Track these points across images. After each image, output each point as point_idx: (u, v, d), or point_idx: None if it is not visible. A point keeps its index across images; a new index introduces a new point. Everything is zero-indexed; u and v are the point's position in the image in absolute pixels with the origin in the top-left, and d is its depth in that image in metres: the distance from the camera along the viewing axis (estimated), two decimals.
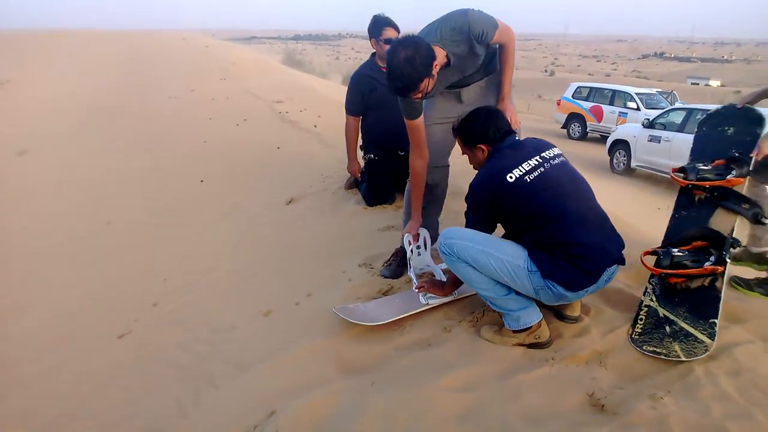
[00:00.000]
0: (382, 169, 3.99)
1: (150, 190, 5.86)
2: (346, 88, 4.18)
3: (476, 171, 2.31)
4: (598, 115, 15.94)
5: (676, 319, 2.17)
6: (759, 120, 2.61)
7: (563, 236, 2.04)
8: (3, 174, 7.34)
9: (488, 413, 1.86)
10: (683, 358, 2.00)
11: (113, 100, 9.23)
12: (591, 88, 16.93)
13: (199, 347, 2.97)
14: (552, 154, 2.19)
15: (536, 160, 2.13)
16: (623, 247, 2.18)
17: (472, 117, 2.33)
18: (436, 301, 2.52)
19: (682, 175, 2.58)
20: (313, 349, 2.47)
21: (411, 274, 2.72)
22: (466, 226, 2.27)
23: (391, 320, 2.44)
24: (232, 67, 11.03)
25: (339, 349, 2.42)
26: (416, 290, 2.56)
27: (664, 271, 2.24)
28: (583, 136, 16.46)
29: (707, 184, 2.50)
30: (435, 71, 2.37)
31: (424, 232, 2.83)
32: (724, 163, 2.52)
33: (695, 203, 2.58)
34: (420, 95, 2.40)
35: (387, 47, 3.72)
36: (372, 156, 4.04)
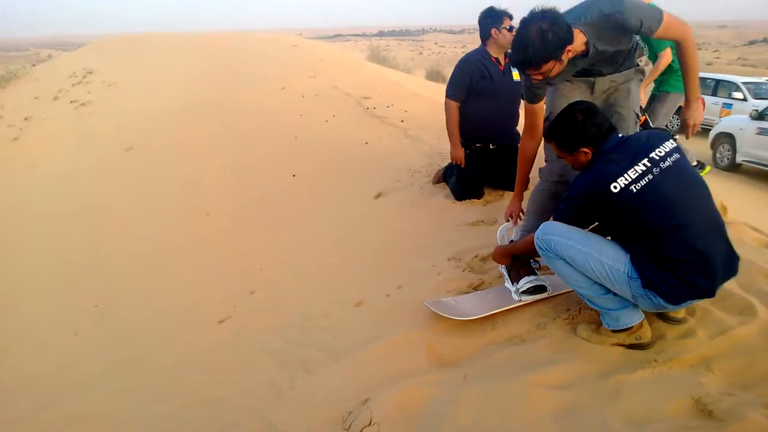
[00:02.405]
0: (473, 163, 3.98)
1: (246, 184, 6.17)
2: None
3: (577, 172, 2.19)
4: None
5: None
6: None
7: (670, 250, 1.90)
8: (113, 168, 7.99)
9: (585, 413, 1.83)
10: None
11: (209, 98, 9.75)
12: None
13: (294, 334, 3.11)
14: (663, 153, 1.98)
15: (645, 164, 1.94)
16: (737, 259, 2.00)
17: (566, 118, 2.13)
18: (529, 298, 2.49)
19: None
20: (406, 340, 2.52)
21: (502, 269, 2.70)
22: None
23: (482, 316, 2.45)
24: (319, 64, 11.31)
25: (431, 342, 2.45)
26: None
27: None
28: (683, 130, 15.48)
29: None
30: (566, 57, 2.15)
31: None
32: None
33: None
34: (540, 77, 2.19)
35: (510, 35, 3.73)
36: (463, 149, 4.03)
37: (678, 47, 2.43)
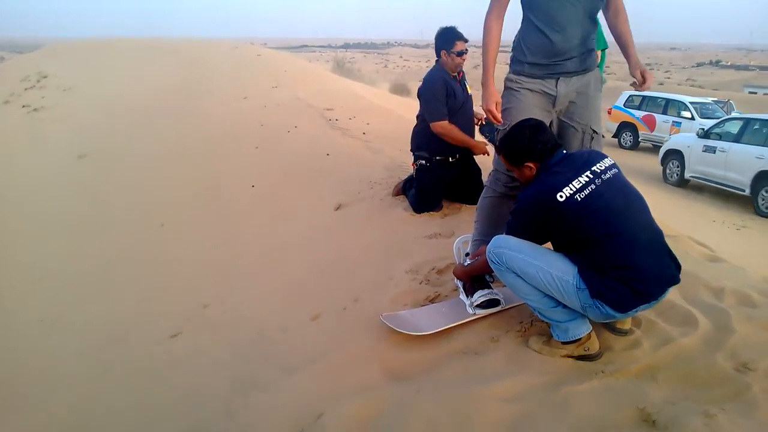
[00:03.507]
0: (433, 176, 4.01)
1: (203, 195, 6.07)
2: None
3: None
4: (651, 124, 15.51)
5: None
6: None
7: (614, 258, 2.00)
8: (65, 176, 7.74)
9: (536, 424, 1.86)
10: None
11: (169, 106, 9.58)
12: (644, 97, 16.46)
13: (248, 349, 3.06)
14: (603, 167, 2.11)
15: (587, 176, 2.06)
16: (679, 267, 2.11)
17: (515, 133, 2.26)
18: (483, 312, 2.52)
19: None
20: (360, 354, 2.52)
21: (458, 282, 2.73)
22: None
23: (437, 330, 2.47)
24: (283, 75, 11.27)
25: (385, 355, 2.46)
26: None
27: None
28: (635, 146, 16.03)
29: None
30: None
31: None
32: None
33: None
34: None
35: (459, 60, 3.77)
36: (423, 162, 4.06)
37: (619, 15, 2.63)
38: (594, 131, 2.70)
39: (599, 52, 4.39)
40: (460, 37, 3.80)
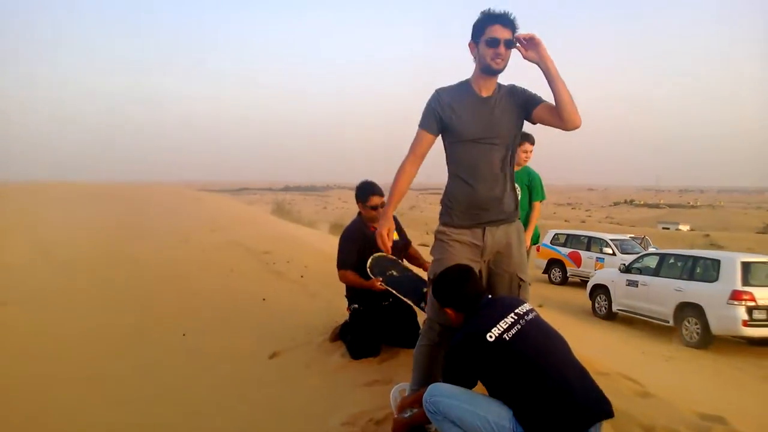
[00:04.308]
0: (368, 320, 4.04)
1: (134, 345, 5.74)
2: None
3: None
4: (577, 260, 16.39)
5: None
6: None
7: (547, 397, 2.05)
8: None
9: None
10: None
11: (103, 251, 9.36)
12: (568, 235, 17.59)
13: None
14: (524, 310, 2.27)
15: (512, 317, 2.20)
16: (608, 402, 2.17)
17: (445, 277, 2.44)
18: None
19: None
20: None
21: None
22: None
23: None
24: (221, 218, 11.41)
25: None
26: None
27: None
28: (564, 281, 16.74)
29: None
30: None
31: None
32: None
33: None
34: (506, 53, 2.54)
35: (373, 213, 3.94)
36: (357, 306, 4.10)
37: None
38: (521, 279, 2.80)
39: (537, 204, 4.75)
40: (375, 192, 3.98)
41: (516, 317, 2.21)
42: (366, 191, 4.00)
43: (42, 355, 5.96)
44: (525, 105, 2.66)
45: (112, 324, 6.26)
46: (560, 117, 2.51)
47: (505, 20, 2.52)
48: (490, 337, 2.13)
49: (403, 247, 4.26)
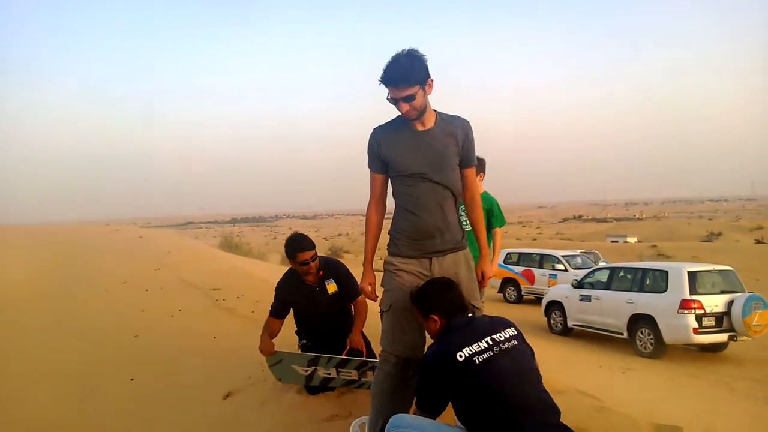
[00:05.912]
0: (320, 353, 3.92)
1: (74, 393, 5.40)
2: (284, 268, 4.21)
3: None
4: (530, 278, 16.63)
5: None
6: None
7: (508, 427, 2.01)
8: None
9: None
10: None
11: (38, 294, 8.88)
12: (520, 254, 17.88)
13: None
14: (503, 337, 2.21)
15: (486, 342, 2.16)
16: None
17: (427, 286, 2.46)
18: None
19: None
20: None
21: None
22: (416, 403, 2.26)
23: None
24: (166, 256, 11.01)
25: None
26: None
27: None
28: (519, 299, 16.94)
29: None
30: (428, 89, 2.55)
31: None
32: None
33: None
34: (407, 107, 2.52)
35: (303, 268, 3.80)
36: (305, 342, 4.01)
37: (473, 202, 2.87)
38: (474, 307, 2.74)
39: (498, 230, 4.71)
40: (302, 248, 3.77)
41: (492, 343, 2.16)
42: (293, 249, 3.79)
43: None
44: (458, 153, 2.74)
45: (54, 371, 5.89)
46: (464, 197, 2.83)
47: (391, 83, 2.52)
48: (460, 356, 2.10)
49: (345, 299, 4.04)
